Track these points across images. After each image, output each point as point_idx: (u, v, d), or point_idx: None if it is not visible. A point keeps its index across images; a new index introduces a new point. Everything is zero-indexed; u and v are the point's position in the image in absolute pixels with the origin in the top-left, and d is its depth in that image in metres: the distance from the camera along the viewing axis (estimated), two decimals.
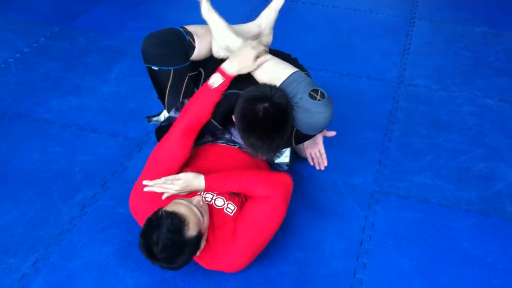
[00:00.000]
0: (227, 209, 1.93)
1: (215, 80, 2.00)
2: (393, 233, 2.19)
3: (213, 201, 1.94)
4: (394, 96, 3.08)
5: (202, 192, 1.97)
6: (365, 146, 2.67)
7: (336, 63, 3.38)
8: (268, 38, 2.37)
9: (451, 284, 1.98)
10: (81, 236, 2.13)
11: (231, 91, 2.07)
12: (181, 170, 2.05)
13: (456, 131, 2.79)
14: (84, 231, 2.15)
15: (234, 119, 2.00)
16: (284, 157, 2.34)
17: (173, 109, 2.12)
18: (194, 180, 1.93)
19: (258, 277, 1.98)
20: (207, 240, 1.85)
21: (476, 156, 2.62)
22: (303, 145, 2.45)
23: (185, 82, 2.11)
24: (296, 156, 2.53)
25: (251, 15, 3.85)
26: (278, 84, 2.01)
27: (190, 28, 2.16)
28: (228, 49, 2.12)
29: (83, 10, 3.94)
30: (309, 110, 1.95)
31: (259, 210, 1.91)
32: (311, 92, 1.96)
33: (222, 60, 2.17)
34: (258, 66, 2.03)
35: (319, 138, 2.42)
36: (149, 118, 2.21)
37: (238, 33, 2.15)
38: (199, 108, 2.03)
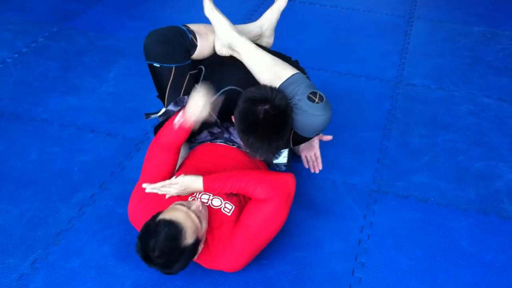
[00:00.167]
0: (225, 209, 1.93)
1: (177, 121, 2.01)
2: (391, 232, 2.19)
3: (210, 201, 1.94)
4: (393, 95, 3.08)
5: (198, 194, 1.97)
6: (364, 146, 2.67)
7: (335, 63, 3.38)
8: (269, 40, 2.37)
9: (450, 283, 1.98)
10: (79, 236, 2.13)
11: (229, 87, 2.07)
12: (179, 168, 2.05)
13: (454, 131, 2.80)
14: (83, 231, 2.15)
15: (233, 120, 2.00)
16: (282, 157, 2.34)
17: (172, 103, 2.12)
18: (192, 182, 1.91)
19: (257, 276, 1.98)
20: (205, 241, 1.85)
21: (475, 155, 2.63)
22: (299, 147, 2.45)
23: (186, 80, 2.11)
24: (295, 156, 2.53)
25: (250, 15, 3.85)
26: (278, 84, 2.01)
27: (193, 26, 2.16)
28: (230, 47, 2.12)
29: (82, 10, 3.94)
30: (307, 112, 1.95)
31: (258, 213, 1.88)
32: (310, 95, 1.96)
33: (223, 59, 2.17)
34: (210, 111, 2.00)
35: (315, 142, 2.43)
36: (147, 115, 2.21)
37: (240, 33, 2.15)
38: (168, 138, 2.04)
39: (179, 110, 2.13)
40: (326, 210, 2.29)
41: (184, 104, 2.12)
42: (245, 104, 1.92)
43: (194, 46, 2.12)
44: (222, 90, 2.08)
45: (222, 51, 2.15)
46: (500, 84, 3.21)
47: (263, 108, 1.88)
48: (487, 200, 2.36)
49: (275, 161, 2.34)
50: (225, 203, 1.94)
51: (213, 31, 2.15)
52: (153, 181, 1.98)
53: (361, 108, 2.96)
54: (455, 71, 3.34)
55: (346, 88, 3.13)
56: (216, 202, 1.94)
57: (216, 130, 2.27)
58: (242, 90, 2.05)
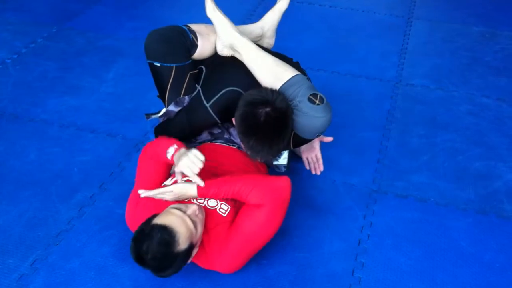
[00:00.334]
0: (220, 209, 1.92)
1: (170, 151, 1.96)
2: (391, 232, 2.19)
3: (205, 201, 1.93)
4: (392, 95, 3.08)
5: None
6: (363, 146, 2.68)
7: (334, 63, 3.38)
8: (270, 40, 2.37)
9: (449, 283, 1.98)
10: (79, 237, 2.13)
11: (229, 88, 2.07)
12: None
13: (453, 131, 2.80)
14: (83, 232, 2.15)
15: (234, 122, 2.01)
16: (283, 158, 2.35)
17: (172, 103, 2.12)
18: (186, 189, 1.89)
19: (256, 276, 1.98)
20: (201, 241, 1.86)
21: (474, 155, 2.63)
22: (300, 148, 2.45)
23: (186, 79, 2.11)
24: (295, 156, 2.53)
25: (249, 16, 3.85)
26: (279, 85, 2.01)
27: (194, 26, 2.16)
28: (232, 47, 2.12)
29: (81, 10, 3.94)
30: (307, 114, 1.95)
31: (253, 218, 1.85)
32: (311, 96, 1.96)
33: (224, 59, 2.17)
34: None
35: (316, 143, 2.43)
36: (148, 115, 2.21)
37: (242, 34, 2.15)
38: (158, 156, 2.01)
39: (179, 111, 2.13)
40: (326, 210, 2.29)
41: (185, 104, 2.12)
42: (246, 107, 1.92)
43: (195, 46, 2.12)
44: (223, 91, 2.08)
45: (224, 51, 2.15)
46: (499, 84, 3.21)
47: (264, 110, 1.88)
48: (486, 200, 2.36)
49: (275, 163, 2.34)
50: (221, 204, 1.93)
51: (214, 31, 2.15)
52: (147, 187, 1.98)
53: (361, 108, 2.96)
54: (454, 71, 3.35)
55: (346, 88, 3.13)
56: (212, 202, 1.93)
57: (216, 130, 2.27)
58: (242, 91, 2.05)
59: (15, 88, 3.06)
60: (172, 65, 2.07)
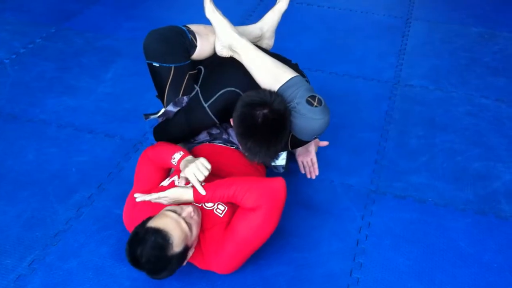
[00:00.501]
0: (217, 210, 1.92)
1: (175, 157, 1.98)
2: (389, 233, 2.19)
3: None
4: (391, 96, 3.08)
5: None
6: (362, 146, 2.68)
7: (333, 64, 3.38)
8: (269, 41, 2.37)
9: (448, 283, 1.98)
10: (77, 237, 2.13)
11: (227, 89, 2.07)
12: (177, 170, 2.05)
13: (452, 131, 2.80)
14: (80, 232, 2.15)
15: (232, 123, 2.00)
16: (281, 159, 2.35)
17: (171, 104, 2.12)
18: (181, 194, 1.88)
19: (254, 277, 1.98)
20: (197, 242, 1.86)
21: (473, 155, 2.63)
22: (296, 151, 2.45)
23: (185, 80, 2.11)
24: (293, 157, 2.52)
25: (248, 16, 3.85)
26: (277, 87, 2.01)
27: (193, 27, 2.16)
28: (231, 48, 2.12)
29: (79, 11, 3.94)
30: (305, 116, 1.95)
31: (247, 221, 1.84)
32: (309, 98, 1.96)
33: (223, 59, 2.17)
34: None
35: (312, 147, 2.43)
36: (146, 115, 2.21)
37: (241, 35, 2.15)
38: (160, 160, 2.05)
39: (178, 111, 2.13)
40: (324, 210, 2.29)
41: (183, 104, 2.12)
42: (244, 108, 1.92)
43: (193, 47, 2.12)
44: (221, 92, 2.07)
45: (223, 52, 2.15)
46: (497, 85, 3.21)
47: (261, 112, 1.88)
48: (485, 200, 2.36)
49: (274, 163, 2.34)
50: (218, 204, 1.93)
51: (213, 32, 2.15)
52: (144, 190, 1.99)
53: (359, 109, 2.96)
54: (453, 72, 3.35)
55: (344, 89, 3.13)
56: (209, 203, 1.93)
57: (214, 131, 2.27)
58: (241, 92, 2.05)
59: (13, 88, 3.05)
60: (171, 65, 2.07)
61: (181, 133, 2.21)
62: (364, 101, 3.04)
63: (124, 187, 2.27)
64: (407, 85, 3.19)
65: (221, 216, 1.91)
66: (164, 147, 2.07)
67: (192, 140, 2.28)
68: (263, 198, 1.82)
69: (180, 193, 1.88)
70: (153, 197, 1.91)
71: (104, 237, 2.12)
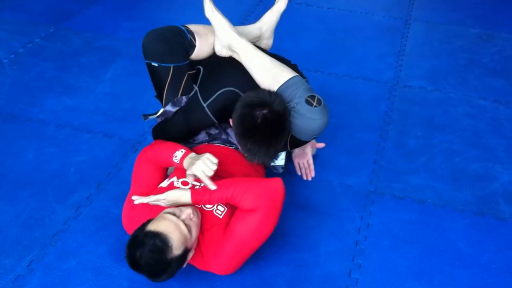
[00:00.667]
0: (217, 211, 1.92)
1: (177, 155, 1.98)
2: (388, 234, 2.19)
3: None
4: (390, 97, 3.09)
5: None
6: (361, 147, 2.68)
7: (332, 64, 3.39)
8: (268, 41, 2.37)
9: (446, 284, 1.99)
10: (76, 237, 2.13)
11: (226, 88, 2.07)
12: (176, 170, 2.05)
13: (451, 132, 2.80)
14: (79, 232, 2.15)
15: (231, 123, 2.00)
16: (280, 159, 2.35)
17: (170, 103, 2.12)
18: (179, 196, 1.88)
19: (253, 277, 1.98)
20: (197, 243, 1.86)
21: (471, 156, 2.63)
22: (293, 153, 2.46)
23: (184, 80, 2.11)
24: (291, 157, 2.53)
25: (247, 16, 3.85)
26: (276, 87, 2.01)
27: (192, 27, 2.16)
28: (230, 48, 2.12)
29: (78, 10, 3.94)
30: (305, 116, 1.95)
31: (246, 223, 1.84)
32: (308, 98, 1.96)
33: (222, 59, 2.17)
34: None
35: (308, 149, 2.44)
36: (145, 116, 2.21)
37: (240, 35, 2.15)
38: (160, 159, 2.06)
39: (177, 111, 2.13)
40: (323, 211, 2.29)
41: (182, 104, 2.12)
42: (244, 109, 1.91)
43: (192, 46, 2.12)
44: (220, 91, 2.07)
45: (222, 52, 2.15)
46: (496, 86, 3.22)
47: (261, 112, 1.88)
48: (483, 201, 2.37)
49: (273, 164, 2.34)
50: (217, 205, 1.93)
51: (212, 32, 2.15)
52: (143, 191, 1.99)
53: (358, 110, 2.96)
54: (452, 72, 3.35)
55: (343, 90, 3.14)
56: (208, 204, 1.93)
57: (213, 131, 2.27)
58: (240, 92, 2.05)
59: (12, 88, 3.05)
60: (170, 65, 2.07)
61: (180, 133, 2.21)
62: (363, 101, 3.04)
63: (123, 187, 2.27)
64: (406, 85, 3.20)
65: (221, 217, 1.91)
66: (164, 145, 2.07)
67: (191, 141, 2.28)
68: (261, 199, 1.82)
69: (178, 195, 1.88)
70: (151, 199, 1.91)
71: (103, 237, 2.12)
